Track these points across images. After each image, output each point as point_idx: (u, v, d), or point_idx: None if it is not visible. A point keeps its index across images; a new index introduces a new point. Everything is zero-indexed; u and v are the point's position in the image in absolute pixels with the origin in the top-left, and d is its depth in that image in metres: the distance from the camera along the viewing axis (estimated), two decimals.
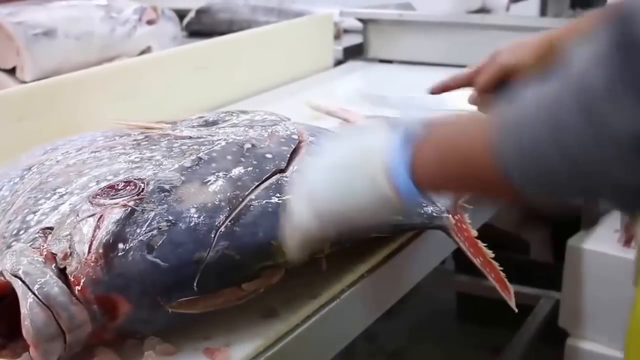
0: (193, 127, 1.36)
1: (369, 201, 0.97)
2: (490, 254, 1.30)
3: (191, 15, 3.33)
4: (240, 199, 1.08)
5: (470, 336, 3.06)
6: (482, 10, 3.10)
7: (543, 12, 3.23)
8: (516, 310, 1.25)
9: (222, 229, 1.03)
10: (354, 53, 2.88)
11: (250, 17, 3.15)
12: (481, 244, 1.31)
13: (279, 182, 1.14)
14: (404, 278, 1.37)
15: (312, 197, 1.01)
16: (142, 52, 2.69)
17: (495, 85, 1.46)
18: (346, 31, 3.02)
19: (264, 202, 1.09)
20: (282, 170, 1.18)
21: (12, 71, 2.39)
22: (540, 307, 2.75)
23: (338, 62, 2.83)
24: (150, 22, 2.73)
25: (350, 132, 1.12)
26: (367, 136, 1.01)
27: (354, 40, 2.92)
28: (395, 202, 0.95)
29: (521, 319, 2.67)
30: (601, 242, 2.39)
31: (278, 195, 1.11)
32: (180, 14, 3.08)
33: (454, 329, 3.16)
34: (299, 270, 1.11)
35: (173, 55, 2.24)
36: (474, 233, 1.33)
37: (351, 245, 1.18)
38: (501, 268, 1.28)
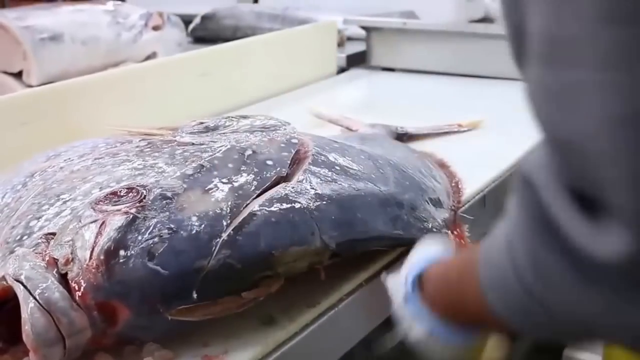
0: (194, 133, 1.36)
1: None
2: None
3: (196, 21, 3.35)
4: (242, 208, 1.09)
5: None
6: (486, 19, 3.12)
7: None
8: None
9: (225, 237, 1.04)
10: (357, 61, 2.89)
11: (255, 23, 3.16)
12: None
13: (282, 191, 1.14)
14: None
15: None
16: (148, 58, 2.71)
17: None
18: (350, 39, 3.03)
19: (267, 211, 1.09)
20: (285, 178, 1.19)
21: (18, 75, 2.41)
22: None
23: (341, 70, 2.84)
24: (155, 28, 2.75)
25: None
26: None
27: (357, 48, 2.93)
28: None
29: None
30: None
31: (280, 205, 1.11)
32: (186, 20, 3.10)
33: None
34: (297, 279, 1.11)
35: (178, 61, 2.25)
36: None
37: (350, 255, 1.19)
38: None
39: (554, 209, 0.76)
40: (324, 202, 1.15)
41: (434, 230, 1.28)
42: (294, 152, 1.25)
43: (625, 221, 0.70)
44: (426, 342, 1.07)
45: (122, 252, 1.00)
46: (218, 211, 1.07)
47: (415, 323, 1.08)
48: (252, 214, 1.08)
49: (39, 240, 1.05)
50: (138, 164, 1.20)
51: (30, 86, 2.35)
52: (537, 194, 0.78)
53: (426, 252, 1.13)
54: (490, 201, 1.60)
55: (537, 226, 0.79)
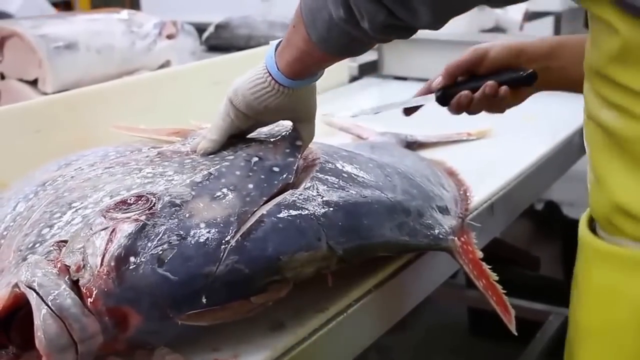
0: None
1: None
2: (494, 276, 1.30)
3: (210, 30, 3.36)
4: (250, 215, 1.10)
5: (480, 350, 3.06)
6: (496, 29, 3.12)
7: (557, 30, 3.23)
8: (515, 334, 1.27)
9: (233, 243, 1.05)
10: (369, 70, 2.90)
11: (267, 32, 3.17)
12: (485, 266, 1.32)
13: (290, 198, 1.16)
14: (410, 294, 1.38)
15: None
16: (162, 66, 2.72)
17: (465, 69, 1.52)
18: None
19: (274, 217, 1.11)
20: (293, 185, 1.20)
21: (34, 83, 2.43)
22: (549, 323, 2.76)
23: (353, 79, 2.85)
24: (169, 37, 2.76)
25: None
26: None
27: (369, 57, 2.92)
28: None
29: (531, 335, 2.68)
30: None
31: (288, 211, 1.13)
32: (200, 29, 3.11)
33: (464, 343, 3.17)
34: (306, 284, 1.12)
35: (192, 69, 2.27)
36: (480, 254, 1.34)
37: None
38: (504, 291, 1.29)
39: None
40: (331, 209, 1.16)
41: (440, 236, 1.29)
42: (299, 155, 1.27)
43: None
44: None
45: (132, 259, 1.01)
46: (226, 218, 1.08)
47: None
48: (259, 220, 1.09)
49: (51, 248, 1.06)
50: (148, 172, 1.21)
51: (45, 94, 2.36)
52: None
53: None
54: (498, 209, 1.61)
55: None
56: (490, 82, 1.45)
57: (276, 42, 1.27)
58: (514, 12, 3.35)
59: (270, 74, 1.26)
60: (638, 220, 1.07)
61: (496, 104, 1.49)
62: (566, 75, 1.43)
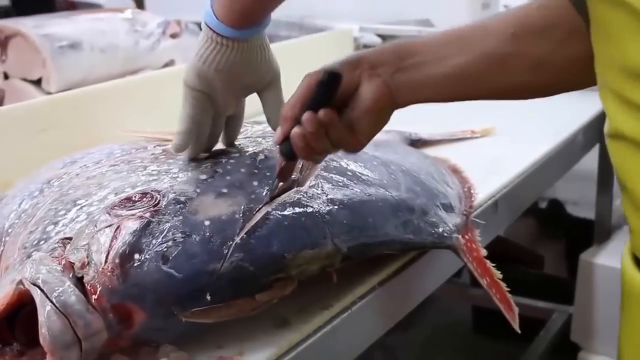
0: None
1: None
2: (498, 274, 1.30)
3: None
4: (255, 212, 1.10)
5: (484, 348, 3.07)
6: None
7: None
8: (519, 332, 1.26)
9: (237, 240, 1.05)
10: None
11: (272, 31, 3.15)
12: (489, 264, 1.31)
13: (295, 195, 1.16)
14: (415, 291, 1.38)
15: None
16: (165, 65, 2.72)
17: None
18: (366, 46, 3.02)
19: (279, 215, 1.11)
20: (297, 182, 1.20)
21: (37, 82, 2.43)
22: (553, 321, 2.77)
23: None
24: (173, 36, 2.76)
25: None
26: None
27: None
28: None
29: (534, 333, 2.69)
30: (613, 257, 2.37)
31: (293, 209, 1.13)
32: None
33: (469, 341, 3.17)
34: (311, 281, 1.13)
35: None
36: (484, 252, 1.33)
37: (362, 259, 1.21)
38: (508, 289, 1.28)
39: None
40: (336, 207, 1.17)
41: (445, 234, 1.29)
42: None
43: None
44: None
45: (136, 256, 1.02)
46: (230, 215, 1.09)
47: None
48: (264, 218, 1.10)
49: (56, 245, 1.07)
50: (153, 170, 1.22)
51: (49, 93, 2.36)
52: None
53: None
54: (502, 206, 1.61)
55: None
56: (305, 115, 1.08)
57: None
58: None
59: (211, 29, 1.19)
60: None
61: (341, 136, 1.11)
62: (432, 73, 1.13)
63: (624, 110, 0.94)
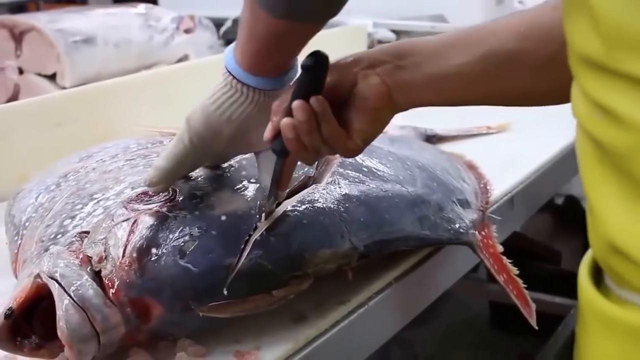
0: None
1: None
2: (514, 270, 1.29)
3: (228, 24, 3.35)
4: (273, 208, 1.10)
5: (501, 344, 3.06)
6: None
7: None
8: (536, 328, 1.25)
9: (257, 237, 1.05)
10: None
11: None
12: (506, 261, 1.30)
13: (314, 193, 1.16)
14: (431, 286, 1.38)
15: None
16: (179, 60, 2.73)
17: None
18: (380, 42, 3.02)
19: (299, 213, 1.11)
20: (314, 178, 1.20)
21: (52, 77, 2.43)
22: (571, 317, 2.75)
23: None
24: (187, 31, 2.77)
25: None
26: None
27: None
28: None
29: (552, 328, 2.68)
30: None
31: (312, 207, 1.13)
32: (217, 23, 3.10)
33: (486, 336, 3.17)
34: (328, 277, 1.13)
35: (209, 63, 2.26)
36: (500, 249, 1.32)
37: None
38: (525, 285, 1.28)
39: None
40: (353, 204, 1.16)
41: (461, 230, 1.29)
42: None
43: None
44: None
45: (154, 250, 1.02)
46: (247, 210, 1.09)
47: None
48: (284, 215, 1.09)
49: (73, 239, 1.07)
50: None
51: (63, 88, 2.37)
52: None
53: None
54: (518, 202, 1.60)
55: None
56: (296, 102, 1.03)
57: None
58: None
59: (231, 74, 1.10)
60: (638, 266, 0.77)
61: (335, 133, 1.05)
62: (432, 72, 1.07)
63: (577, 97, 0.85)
